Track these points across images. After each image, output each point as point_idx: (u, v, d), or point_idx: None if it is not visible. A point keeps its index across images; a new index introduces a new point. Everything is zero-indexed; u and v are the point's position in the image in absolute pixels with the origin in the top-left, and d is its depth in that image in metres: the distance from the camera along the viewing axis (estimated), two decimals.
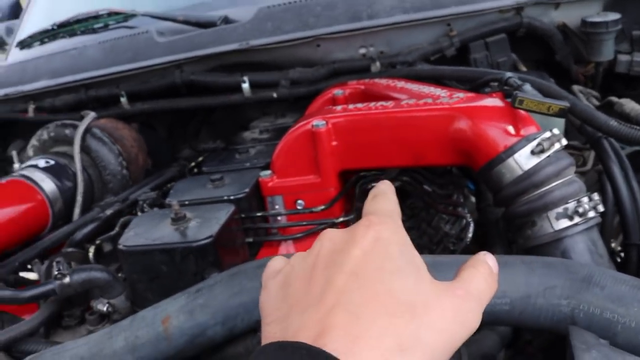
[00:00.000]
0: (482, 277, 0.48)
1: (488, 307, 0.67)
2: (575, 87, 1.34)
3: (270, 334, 0.44)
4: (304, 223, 1.02)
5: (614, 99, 1.21)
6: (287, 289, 0.46)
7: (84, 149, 1.27)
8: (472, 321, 0.45)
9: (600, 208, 0.87)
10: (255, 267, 0.73)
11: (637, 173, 1.09)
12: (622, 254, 1.11)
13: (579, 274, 0.66)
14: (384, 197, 0.52)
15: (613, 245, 1.25)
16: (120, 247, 0.88)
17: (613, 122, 0.98)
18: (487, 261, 0.50)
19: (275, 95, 1.38)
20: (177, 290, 0.77)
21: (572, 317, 0.64)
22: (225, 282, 0.73)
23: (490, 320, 0.68)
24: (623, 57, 1.39)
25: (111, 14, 1.77)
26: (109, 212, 1.11)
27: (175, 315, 0.71)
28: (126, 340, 0.72)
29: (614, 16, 1.32)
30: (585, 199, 0.86)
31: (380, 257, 0.44)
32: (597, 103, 1.29)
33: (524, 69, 1.39)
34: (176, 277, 0.86)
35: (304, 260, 0.47)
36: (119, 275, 0.98)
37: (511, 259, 0.71)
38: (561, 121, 1.07)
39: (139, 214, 1.10)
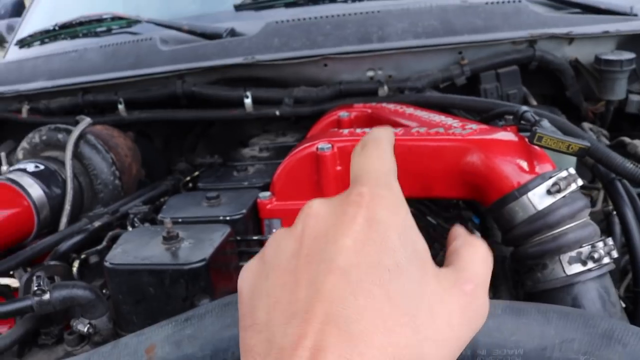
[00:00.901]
0: (483, 258, 0.42)
1: (499, 356, 0.63)
2: (586, 125, 1.31)
3: (250, 345, 0.37)
4: None
5: (627, 139, 1.18)
6: (266, 281, 0.39)
7: (77, 155, 1.22)
8: (480, 317, 0.39)
9: (615, 254, 0.83)
10: None
11: None
12: (627, 300, 1.07)
13: (599, 328, 0.62)
14: (376, 149, 0.43)
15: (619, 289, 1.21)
16: (107, 264, 0.83)
17: (629, 165, 0.95)
18: (478, 238, 0.44)
19: (277, 112, 1.34)
20: (165, 315, 0.72)
21: None
22: (217, 313, 0.67)
23: None
24: (634, 97, 1.37)
25: (115, 18, 1.74)
26: (97, 224, 1.06)
27: (160, 345, 0.66)
28: None
29: (628, 55, 1.30)
30: (600, 244, 0.81)
31: (376, 249, 0.36)
32: (607, 142, 1.26)
33: (534, 102, 1.36)
34: (164, 301, 0.81)
35: (284, 243, 0.40)
36: (104, 291, 0.93)
37: (526, 306, 0.66)
38: (573, 160, 1.04)
39: (129, 228, 1.05)
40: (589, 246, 0.81)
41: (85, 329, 0.82)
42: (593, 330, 0.62)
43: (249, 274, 0.41)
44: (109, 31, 1.74)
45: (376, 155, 0.43)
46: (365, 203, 0.38)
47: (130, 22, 1.70)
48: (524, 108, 0.97)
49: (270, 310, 0.37)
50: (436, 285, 0.38)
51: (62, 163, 1.18)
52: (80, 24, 1.78)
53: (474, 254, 0.42)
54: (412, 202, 1.01)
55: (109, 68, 1.50)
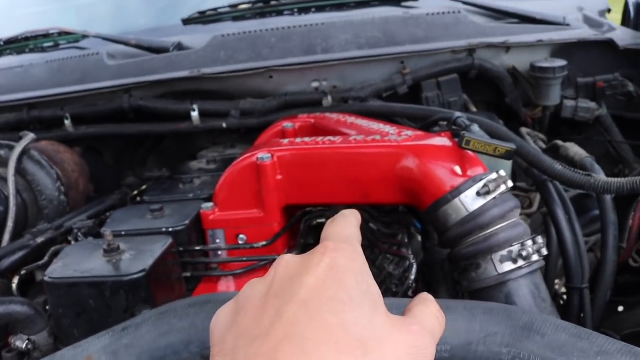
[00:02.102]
0: (433, 314, 0.47)
1: None
2: (524, 130, 1.36)
3: None
4: (245, 259, 0.99)
5: (560, 142, 1.23)
6: (237, 317, 0.43)
7: (20, 171, 1.20)
8: (426, 356, 0.43)
9: (544, 251, 0.86)
10: (187, 306, 0.69)
11: (581, 217, 1.10)
12: (565, 297, 1.11)
13: (520, 321, 0.65)
14: (343, 221, 0.51)
15: (557, 287, 1.26)
16: (46, 278, 0.82)
17: (558, 166, 0.99)
18: (433, 300, 0.49)
19: (224, 125, 1.35)
20: (106, 327, 0.72)
21: None
22: (154, 321, 0.68)
23: None
24: (569, 103, 1.43)
25: (62, 33, 1.73)
26: (40, 239, 1.05)
27: (97, 355, 0.66)
28: None
29: (560, 62, 1.36)
30: (529, 243, 0.85)
31: (334, 286, 0.42)
32: (543, 146, 1.31)
33: (474, 109, 1.40)
34: (105, 313, 0.81)
35: (257, 287, 0.45)
36: (47, 307, 0.92)
37: (453, 303, 0.69)
38: (508, 163, 1.08)
39: (73, 243, 1.04)
40: (519, 245, 0.84)
41: (25, 346, 0.82)
42: (515, 324, 0.65)
43: (221, 314, 0.46)
44: (56, 46, 1.73)
45: (342, 225, 0.50)
46: (328, 252, 0.44)
47: (78, 37, 1.70)
48: (457, 114, 1.01)
49: (237, 337, 0.41)
50: (386, 321, 0.42)
51: (5, 180, 1.16)
52: (27, 39, 1.76)
53: (425, 308, 0.47)
54: (354, 208, 1.04)
55: (55, 83, 1.49)
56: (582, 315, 1.01)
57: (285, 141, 1.02)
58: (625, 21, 1.94)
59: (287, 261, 0.46)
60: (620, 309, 1.17)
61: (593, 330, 0.99)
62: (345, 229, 0.49)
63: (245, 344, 0.40)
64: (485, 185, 0.85)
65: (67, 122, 1.44)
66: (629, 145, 1.46)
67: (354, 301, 0.41)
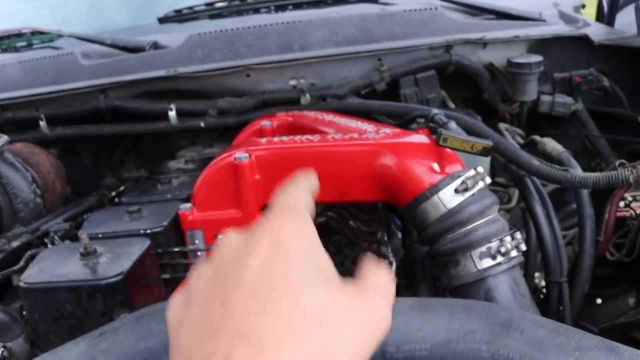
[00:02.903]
0: (383, 275, 0.45)
1: (408, 352, 0.66)
2: (501, 125, 1.37)
3: None
4: None
5: (537, 137, 1.24)
6: (187, 308, 0.41)
7: None
8: (384, 322, 0.42)
9: (523, 247, 0.87)
10: (165, 309, 0.68)
11: (558, 211, 1.11)
12: (544, 291, 1.12)
13: (499, 318, 0.65)
14: (293, 190, 0.47)
15: (536, 280, 1.27)
16: (21, 284, 0.81)
17: (535, 162, 1.00)
18: (383, 268, 0.47)
19: (202, 124, 1.34)
20: (83, 332, 0.71)
21: None
22: (131, 326, 0.67)
23: None
24: (545, 98, 1.44)
25: (35, 32, 1.70)
26: (15, 243, 1.03)
27: None
28: None
29: (536, 58, 1.37)
30: (508, 238, 0.85)
31: (281, 266, 0.39)
32: (521, 141, 1.32)
33: (452, 105, 1.41)
34: (82, 318, 0.80)
35: (202, 272, 0.42)
36: (23, 313, 0.91)
37: (432, 302, 0.69)
38: (486, 159, 1.09)
39: (50, 246, 1.03)
40: (498, 241, 0.85)
41: (0, 353, 0.80)
42: (494, 320, 0.65)
43: (174, 305, 0.44)
44: (29, 46, 1.70)
45: (291, 193, 0.47)
46: (270, 227, 0.41)
47: (52, 36, 1.67)
48: (435, 111, 1.01)
49: (190, 333, 0.39)
50: (340, 295, 0.40)
51: None
52: None
53: (376, 273, 0.45)
54: (333, 206, 1.03)
55: (28, 84, 1.47)
56: (561, 308, 1.02)
57: (263, 140, 1.01)
58: (599, 17, 1.96)
59: (230, 240, 0.43)
60: (599, 301, 1.19)
61: (572, 323, 1.02)
62: (292, 196, 0.46)
63: (198, 341, 0.38)
64: (463, 182, 0.85)
65: (42, 123, 1.41)
66: (604, 139, 1.47)
67: (304, 280, 0.39)
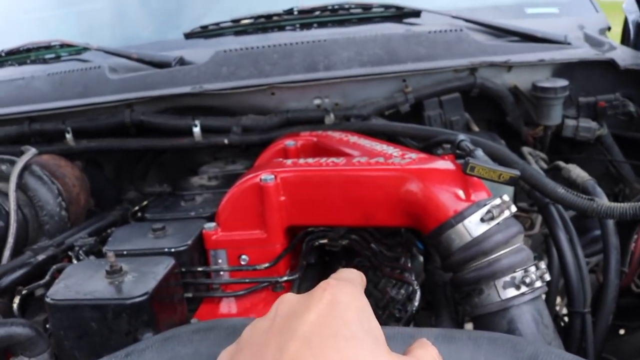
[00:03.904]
0: (432, 357, 0.48)
1: None
2: (525, 149, 1.36)
3: None
4: (247, 280, 0.98)
5: (561, 163, 1.23)
6: (238, 355, 0.44)
7: (21, 187, 1.20)
8: None
9: (547, 277, 0.86)
10: (191, 332, 0.69)
11: (581, 236, 1.10)
12: (566, 319, 1.11)
13: (525, 353, 0.64)
14: (348, 271, 0.52)
15: (557, 308, 1.25)
16: (48, 300, 0.82)
17: (560, 190, 0.99)
18: (433, 347, 0.50)
19: (226, 141, 1.35)
20: (107, 350, 0.72)
21: None
22: (157, 348, 0.68)
23: None
24: (570, 122, 1.43)
25: (63, 45, 1.73)
26: (41, 257, 1.04)
27: None
28: None
29: (562, 82, 1.36)
30: (532, 268, 0.85)
31: (336, 322, 0.42)
32: (544, 166, 1.32)
33: (476, 128, 1.40)
34: (107, 336, 0.80)
35: (258, 324, 0.45)
36: (47, 326, 0.92)
37: (457, 333, 0.69)
38: (511, 188, 1.08)
39: (74, 261, 1.04)
40: (522, 271, 0.84)
41: None
42: (520, 355, 0.65)
43: (225, 354, 0.46)
44: (57, 58, 1.73)
45: (346, 272, 0.52)
46: (329, 288, 0.45)
47: (79, 49, 1.70)
48: (461, 137, 1.01)
49: None
50: (388, 357, 0.43)
51: (6, 195, 1.16)
52: (28, 50, 1.77)
53: (425, 352, 0.48)
54: (356, 230, 1.04)
55: (56, 97, 1.49)
56: (583, 339, 1.01)
57: (289, 162, 1.02)
58: (625, 39, 1.95)
59: (289, 298, 0.46)
60: (622, 332, 1.18)
61: (595, 355, 1.01)
62: (349, 273, 0.51)
63: None
64: (489, 211, 0.85)
65: (69, 136, 1.43)
66: (629, 164, 1.46)
67: (356, 338, 0.41)
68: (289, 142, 1.22)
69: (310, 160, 1.01)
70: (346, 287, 0.46)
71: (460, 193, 0.89)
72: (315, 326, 0.41)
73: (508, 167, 0.93)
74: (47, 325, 0.93)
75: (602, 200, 1.01)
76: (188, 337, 0.69)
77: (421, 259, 1.11)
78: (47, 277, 0.99)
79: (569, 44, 1.49)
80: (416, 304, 0.92)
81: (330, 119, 1.32)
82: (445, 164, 0.93)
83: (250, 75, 1.38)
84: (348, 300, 0.44)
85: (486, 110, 1.50)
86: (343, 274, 0.51)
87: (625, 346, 1.13)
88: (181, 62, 1.48)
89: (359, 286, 0.48)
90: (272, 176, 0.95)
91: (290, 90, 1.37)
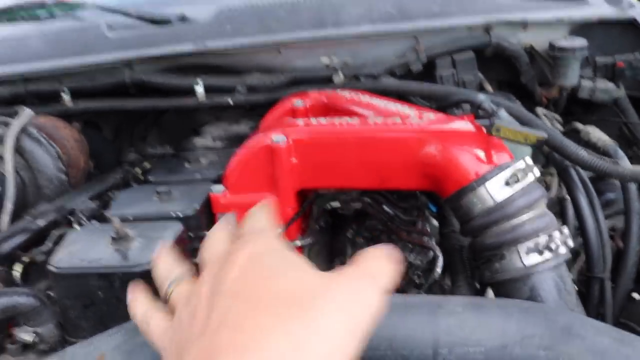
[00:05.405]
0: (377, 258, 0.44)
1: (461, 355, 0.62)
2: (539, 110, 1.32)
3: None
4: None
5: (580, 125, 1.19)
6: (177, 331, 0.45)
7: (18, 149, 1.15)
8: (370, 299, 0.41)
9: (570, 243, 0.83)
10: None
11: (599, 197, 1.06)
12: (579, 284, 1.08)
13: (559, 323, 0.61)
14: (252, 218, 0.52)
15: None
16: (52, 268, 0.78)
17: (582, 152, 0.95)
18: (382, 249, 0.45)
19: (231, 101, 1.30)
20: (115, 320, 0.69)
21: None
22: None
23: None
24: (586, 83, 1.38)
25: (58, 2, 1.65)
26: (41, 222, 1.00)
27: (111, 354, 0.63)
28: None
29: (581, 42, 1.31)
30: (556, 234, 0.81)
31: (258, 268, 0.42)
32: (560, 127, 1.27)
33: (490, 89, 1.35)
34: (114, 305, 0.77)
35: (190, 301, 0.46)
36: (50, 294, 0.88)
37: (486, 302, 0.66)
38: (529, 149, 1.04)
39: (76, 226, 1.00)
40: (546, 236, 0.81)
41: (30, 338, 0.78)
42: (553, 325, 0.62)
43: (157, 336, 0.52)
44: (51, 16, 1.66)
45: (252, 222, 0.52)
46: (244, 245, 0.45)
47: (75, 6, 1.62)
48: (482, 97, 0.96)
49: (182, 349, 0.42)
50: (317, 276, 0.42)
51: (2, 158, 1.11)
52: (21, 8, 1.69)
53: (367, 257, 0.44)
54: (368, 192, 1.00)
55: (52, 56, 1.42)
56: (601, 305, 0.98)
57: (300, 122, 0.97)
58: None
59: (210, 270, 0.46)
60: (636, 296, 1.15)
61: (613, 321, 0.98)
62: (255, 224, 0.51)
63: (188, 349, 0.39)
64: (513, 175, 0.81)
65: (66, 97, 1.38)
66: None
67: (279, 271, 0.42)
68: (298, 102, 1.17)
69: (322, 120, 0.96)
70: (258, 239, 0.46)
71: (482, 155, 0.84)
72: (239, 278, 0.41)
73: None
74: (50, 293, 0.89)
75: (626, 164, 0.98)
76: None
77: (434, 222, 1.07)
78: (49, 244, 0.94)
79: (586, 1, 1.43)
80: (439, 270, 0.88)
81: (339, 78, 1.26)
82: (465, 125, 0.89)
83: (255, 32, 1.32)
84: (264, 249, 0.45)
85: (497, 70, 1.45)
86: (249, 226, 0.51)
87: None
88: (182, 19, 1.41)
89: (270, 234, 0.48)
90: (284, 137, 0.91)
91: (298, 48, 1.31)
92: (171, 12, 1.42)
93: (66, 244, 0.84)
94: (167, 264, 0.57)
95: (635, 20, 1.31)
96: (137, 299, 0.56)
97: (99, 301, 0.77)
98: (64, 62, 1.39)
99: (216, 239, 0.53)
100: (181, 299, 0.49)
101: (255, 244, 0.45)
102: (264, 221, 0.51)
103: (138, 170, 1.28)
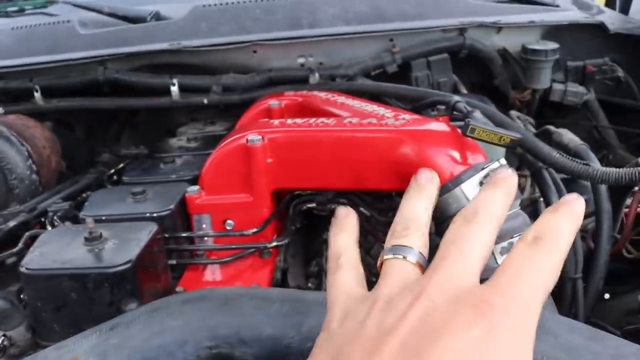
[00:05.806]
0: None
1: None
2: (513, 113, 1.34)
3: None
4: (233, 246, 0.94)
5: (552, 128, 1.21)
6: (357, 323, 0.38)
7: None
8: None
9: None
10: (180, 303, 0.64)
11: None
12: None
13: None
14: (546, 251, 0.40)
15: None
16: (23, 269, 0.76)
17: (555, 154, 0.97)
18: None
19: (205, 101, 1.29)
20: (89, 322, 0.67)
21: None
22: (145, 320, 0.63)
23: None
24: (558, 86, 1.41)
25: None
26: (12, 223, 0.98)
27: (84, 356, 0.62)
28: None
29: (552, 45, 1.33)
30: None
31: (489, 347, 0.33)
32: (533, 130, 1.29)
33: (464, 91, 1.37)
34: (88, 307, 0.76)
35: (363, 326, 0.38)
36: (22, 297, 0.86)
37: None
38: (502, 150, 1.05)
39: (49, 227, 0.98)
40: (519, 236, 0.82)
41: (0, 342, 0.76)
42: None
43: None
44: (21, 11, 1.63)
45: (539, 260, 0.40)
46: (489, 312, 0.35)
47: (45, 2, 1.60)
48: (456, 98, 0.97)
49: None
50: None
51: None
52: None
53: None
54: (344, 193, 1.00)
55: (22, 52, 1.40)
56: (573, 305, 1.00)
57: (276, 122, 0.97)
58: (609, 2, 1.93)
59: (425, 303, 0.37)
60: (607, 296, 1.17)
61: (584, 320, 1.00)
62: (531, 279, 0.39)
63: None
64: (487, 175, 0.81)
65: (37, 95, 1.35)
66: (613, 130, 1.45)
67: None
68: (273, 102, 1.16)
69: (298, 120, 0.96)
70: (514, 317, 0.35)
71: (457, 156, 0.85)
72: None
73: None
74: (22, 296, 0.87)
75: (597, 165, 0.99)
76: (178, 308, 0.64)
77: None
78: (20, 245, 0.93)
79: (557, 6, 1.46)
80: None
81: (315, 78, 1.26)
82: (440, 126, 0.89)
83: (230, 31, 1.32)
84: (509, 339, 0.35)
85: (471, 73, 1.46)
86: (517, 280, 0.38)
87: (610, 311, 1.13)
88: (157, 17, 1.40)
89: (537, 307, 0.38)
90: (260, 137, 0.90)
91: (273, 48, 1.31)
92: (145, 10, 1.41)
93: (38, 245, 0.82)
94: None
95: (603, 24, 1.34)
96: (343, 233, 0.49)
97: (71, 303, 0.76)
98: (35, 59, 1.36)
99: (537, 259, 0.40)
100: (393, 282, 0.41)
101: (503, 319, 0.35)
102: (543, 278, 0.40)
103: (112, 171, 1.26)
